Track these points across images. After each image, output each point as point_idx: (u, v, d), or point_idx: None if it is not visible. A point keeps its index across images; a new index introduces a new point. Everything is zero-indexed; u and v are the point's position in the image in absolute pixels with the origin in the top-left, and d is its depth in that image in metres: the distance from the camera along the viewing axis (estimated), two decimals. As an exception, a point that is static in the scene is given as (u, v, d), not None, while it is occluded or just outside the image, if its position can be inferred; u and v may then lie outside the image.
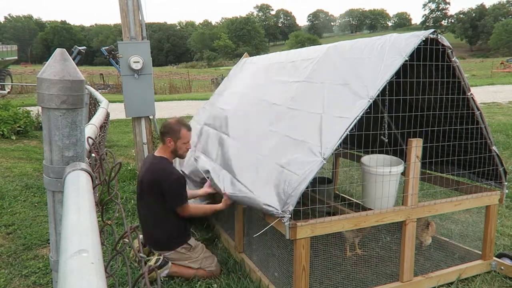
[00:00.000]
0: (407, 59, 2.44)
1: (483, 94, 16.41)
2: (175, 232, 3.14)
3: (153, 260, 3.05)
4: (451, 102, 3.01)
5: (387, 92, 2.71)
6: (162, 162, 3.12)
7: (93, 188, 1.15)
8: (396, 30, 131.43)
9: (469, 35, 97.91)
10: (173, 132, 3.12)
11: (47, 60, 1.20)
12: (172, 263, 3.11)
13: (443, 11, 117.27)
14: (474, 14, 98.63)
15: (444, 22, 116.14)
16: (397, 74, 2.50)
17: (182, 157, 3.31)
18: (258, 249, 3.22)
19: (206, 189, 3.58)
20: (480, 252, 3.25)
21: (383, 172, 3.05)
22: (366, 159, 3.27)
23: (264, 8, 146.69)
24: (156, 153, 3.21)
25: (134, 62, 5.03)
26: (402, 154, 3.53)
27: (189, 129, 3.21)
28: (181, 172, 3.55)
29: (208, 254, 3.25)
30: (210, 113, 4.59)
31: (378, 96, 2.46)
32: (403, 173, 2.99)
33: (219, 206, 3.25)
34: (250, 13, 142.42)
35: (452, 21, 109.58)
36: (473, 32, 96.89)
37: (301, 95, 3.13)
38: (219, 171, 3.38)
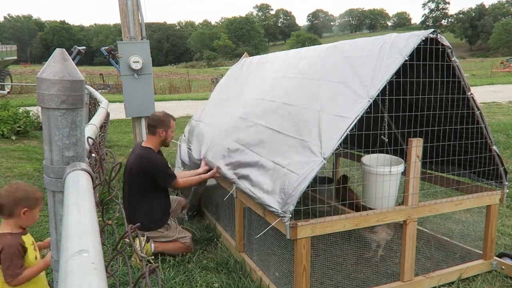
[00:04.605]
0: (407, 58, 2.44)
1: (483, 93, 16.40)
2: (157, 214, 3.46)
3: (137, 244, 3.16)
4: (451, 101, 3.01)
5: (387, 92, 2.70)
6: (149, 153, 3.43)
7: (94, 188, 1.14)
8: (395, 29, 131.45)
9: (469, 34, 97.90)
10: (164, 124, 3.49)
11: (46, 60, 1.20)
12: (153, 241, 3.42)
13: (443, 11, 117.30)
14: (473, 14, 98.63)
15: (444, 22, 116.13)
16: (397, 73, 2.50)
17: (168, 145, 3.65)
18: (259, 249, 3.22)
19: (203, 167, 3.82)
20: (481, 252, 3.25)
21: (384, 172, 3.04)
22: (366, 158, 3.27)
23: (263, 8, 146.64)
24: (144, 144, 3.53)
25: (134, 62, 5.03)
26: (402, 154, 3.53)
27: (174, 119, 3.64)
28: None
29: (183, 232, 3.57)
30: (210, 114, 4.59)
31: (378, 95, 2.46)
32: (403, 173, 2.99)
33: (206, 175, 3.63)
34: (250, 13, 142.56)
35: (452, 20, 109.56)
36: (472, 32, 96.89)
37: (298, 91, 3.12)
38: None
